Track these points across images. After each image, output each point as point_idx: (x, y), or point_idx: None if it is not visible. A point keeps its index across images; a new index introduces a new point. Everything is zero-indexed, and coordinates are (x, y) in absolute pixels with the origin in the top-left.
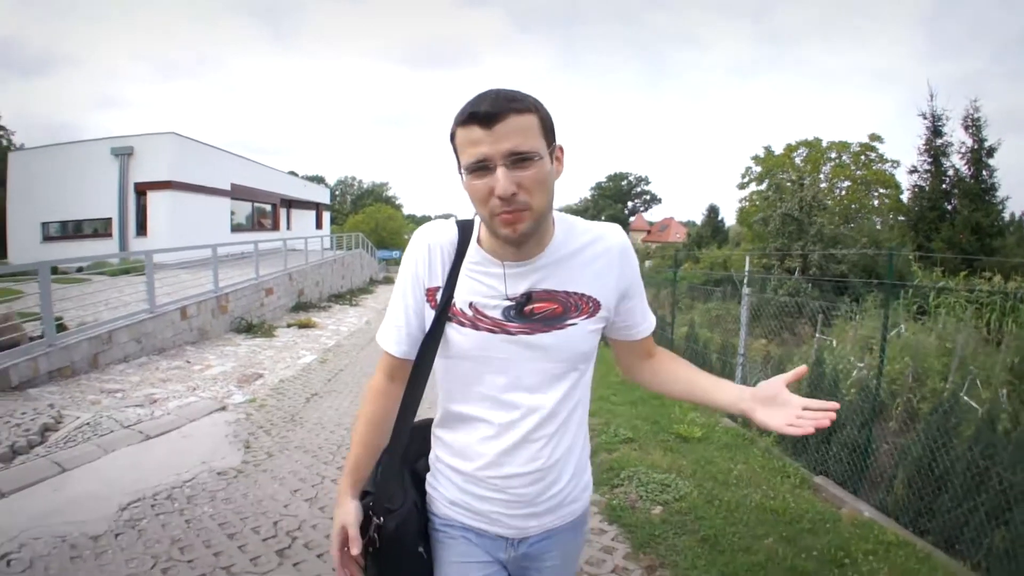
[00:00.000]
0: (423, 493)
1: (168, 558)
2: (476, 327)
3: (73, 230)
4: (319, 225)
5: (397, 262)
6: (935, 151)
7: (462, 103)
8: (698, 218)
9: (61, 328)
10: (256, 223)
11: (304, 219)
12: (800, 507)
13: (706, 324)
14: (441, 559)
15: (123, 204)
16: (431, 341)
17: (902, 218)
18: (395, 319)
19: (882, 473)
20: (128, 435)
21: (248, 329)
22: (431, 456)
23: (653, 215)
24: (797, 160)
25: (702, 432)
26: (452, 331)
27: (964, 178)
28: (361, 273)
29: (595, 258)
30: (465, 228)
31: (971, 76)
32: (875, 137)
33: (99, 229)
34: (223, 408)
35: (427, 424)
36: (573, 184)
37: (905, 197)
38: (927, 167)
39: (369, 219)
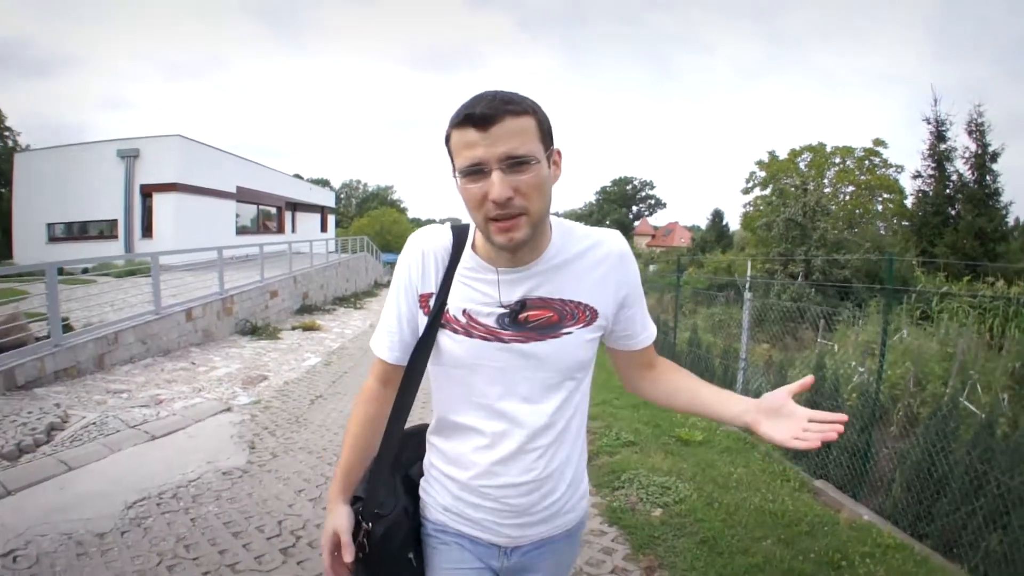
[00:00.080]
0: (416, 499)
1: (174, 556)
2: (469, 334)
3: (78, 231)
4: (324, 228)
5: None
6: (939, 156)
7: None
8: (703, 223)
9: (67, 328)
10: (261, 226)
11: (309, 222)
12: (799, 510)
13: (709, 329)
14: (433, 565)
15: (129, 206)
16: (423, 347)
17: (906, 223)
18: (387, 325)
19: (882, 477)
20: (134, 435)
21: (253, 331)
22: (425, 462)
23: (658, 219)
24: (801, 165)
25: (703, 436)
26: (445, 338)
27: (968, 183)
28: (366, 276)
29: (593, 265)
30: (460, 233)
31: (975, 80)
32: (879, 142)
33: (104, 231)
34: (228, 409)
35: (422, 430)
36: (577, 188)
37: (909, 202)
38: (931, 172)
39: (374, 222)
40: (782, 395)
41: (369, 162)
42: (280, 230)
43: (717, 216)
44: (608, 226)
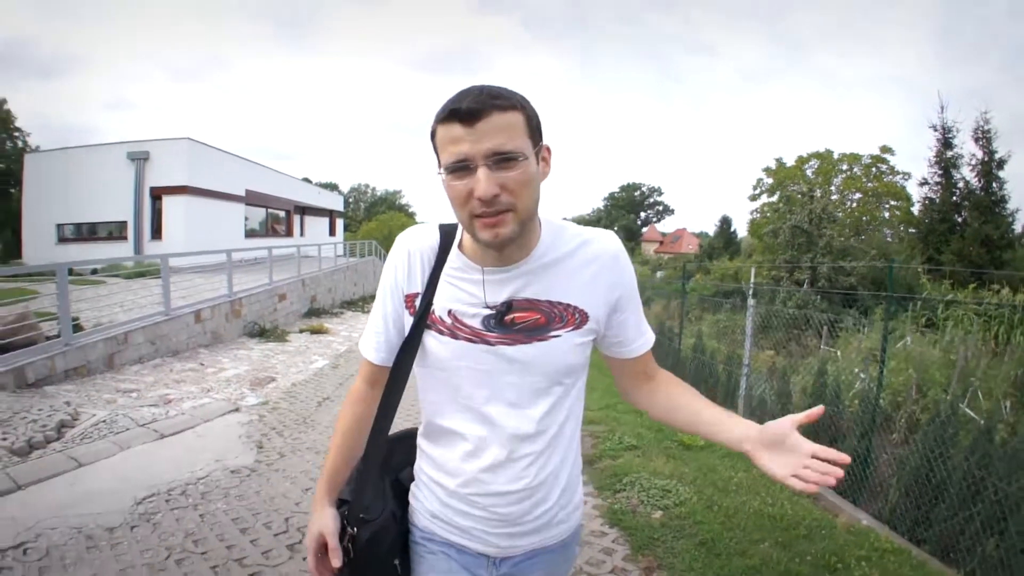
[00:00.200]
0: (406, 504)
1: (182, 550)
2: (455, 336)
3: (88, 232)
4: (332, 232)
5: None
6: (945, 163)
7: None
8: (711, 229)
9: (77, 328)
10: (270, 229)
11: (318, 226)
12: (797, 514)
13: (715, 335)
14: (418, 573)
15: (138, 208)
16: (408, 348)
17: (912, 230)
18: (374, 326)
19: (882, 483)
20: (143, 433)
21: (261, 334)
22: (416, 466)
23: (666, 226)
24: (808, 172)
25: (705, 441)
26: (431, 339)
27: (974, 190)
28: (374, 280)
29: (583, 265)
30: (447, 232)
31: (981, 86)
32: (886, 149)
33: (114, 232)
34: (236, 410)
35: (412, 433)
36: (586, 194)
37: (916, 209)
38: (937, 179)
39: (382, 227)
40: (787, 425)
41: (377, 166)
42: (289, 233)
43: (725, 223)
44: (616, 232)
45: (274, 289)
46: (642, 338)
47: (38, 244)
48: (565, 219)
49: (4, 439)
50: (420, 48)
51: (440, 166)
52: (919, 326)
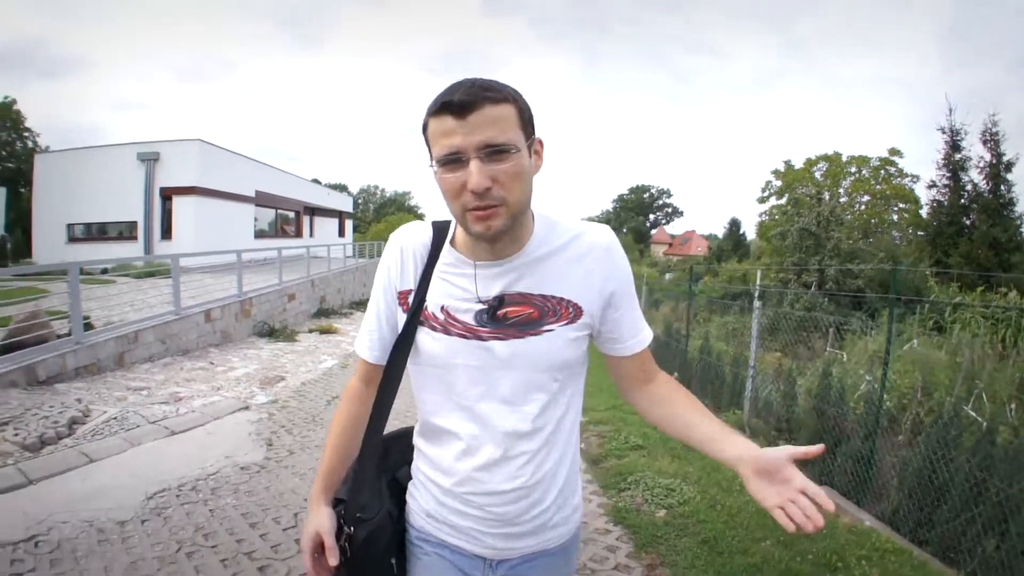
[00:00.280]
0: (403, 503)
1: (192, 543)
2: (448, 332)
3: (97, 232)
4: (342, 233)
5: None
6: (954, 166)
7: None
8: (720, 231)
9: (88, 327)
10: (279, 230)
11: (327, 227)
12: None
13: (722, 337)
14: (413, 574)
15: (149, 208)
16: (402, 345)
17: (921, 233)
18: (368, 324)
19: (885, 484)
20: (154, 430)
21: (271, 333)
22: (413, 466)
23: (675, 228)
24: (817, 174)
25: None
26: (423, 336)
27: (982, 193)
28: None
29: (576, 258)
30: (440, 229)
31: (990, 88)
32: (895, 151)
33: (124, 232)
34: (246, 408)
35: (409, 432)
36: (595, 196)
37: (924, 212)
38: (946, 182)
39: (392, 228)
40: (783, 457)
41: (386, 167)
42: (298, 234)
43: (734, 225)
44: (625, 234)
45: (284, 289)
46: (638, 336)
47: (48, 244)
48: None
49: (16, 435)
50: (428, 49)
51: (432, 159)
52: (927, 329)
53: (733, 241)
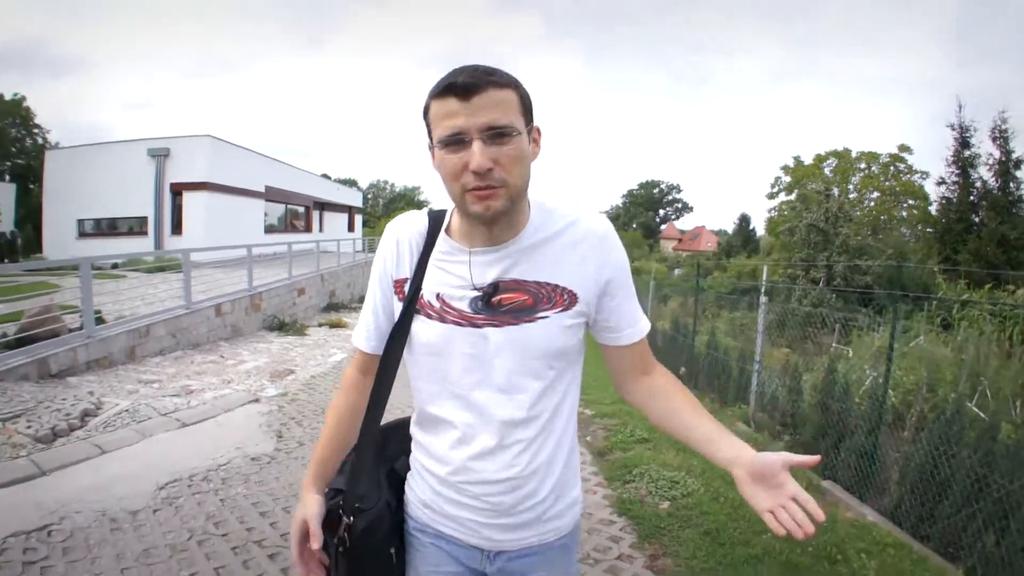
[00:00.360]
0: (401, 493)
1: (204, 532)
2: (443, 319)
3: (107, 227)
4: (351, 228)
5: None
6: (963, 162)
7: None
8: (730, 227)
9: (100, 321)
10: (289, 225)
11: (336, 222)
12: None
13: (730, 333)
14: (412, 564)
15: (159, 203)
16: (398, 334)
17: (930, 230)
18: (365, 314)
19: (888, 479)
20: (165, 422)
21: (280, 327)
22: (411, 456)
23: (685, 223)
24: (827, 171)
25: None
26: (419, 324)
27: (991, 190)
28: None
29: (571, 245)
30: (436, 218)
31: (1000, 86)
32: (904, 148)
33: (134, 227)
34: (256, 400)
35: (407, 422)
36: (604, 191)
37: (933, 209)
38: (955, 179)
39: None
40: (779, 464)
41: (396, 163)
42: (308, 229)
43: (744, 220)
44: (635, 229)
45: (293, 284)
46: (635, 325)
47: (58, 239)
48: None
49: (29, 427)
50: (436, 46)
51: (432, 142)
52: (935, 326)
53: (743, 237)
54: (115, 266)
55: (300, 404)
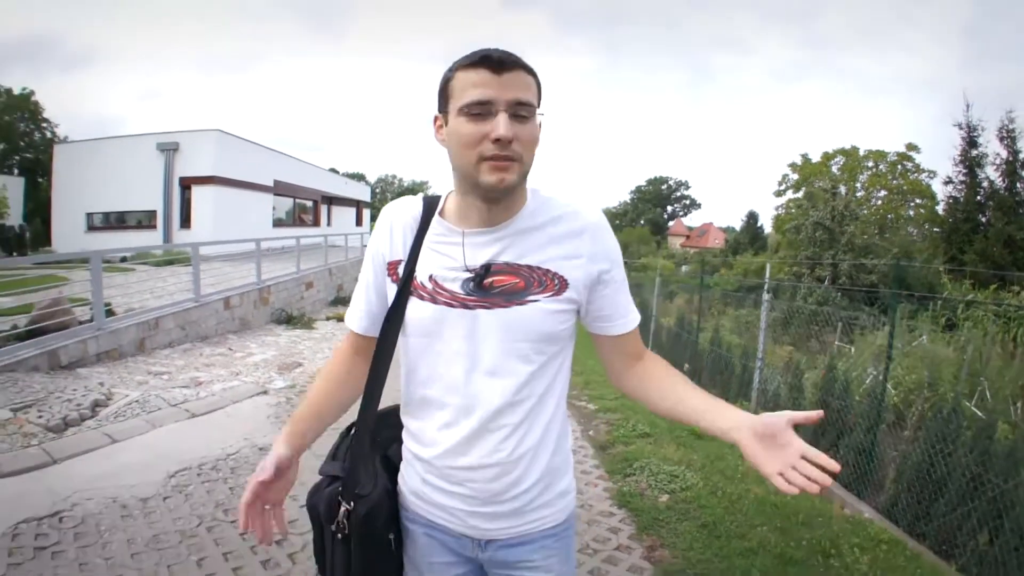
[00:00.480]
0: (396, 480)
1: (213, 519)
2: (435, 300)
3: (116, 221)
4: (359, 222)
5: None
6: (970, 162)
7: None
8: (738, 224)
9: (109, 313)
10: (297, 219)
11: (344, 216)
12: (798, 503)
13: (735, 330)
14: (408, 554)
15: (168, 197)
16: (394, 315)
17: (936, 229)
18: (357, 296)
19: (886, 477)
20: (175, 412)
21: (288, 320)
22: (403, 445)
23: (693, 220)
24: (834, 168)
25: None
26: (412, 305)
27: (998, 190)
28: None
29: (565, 234)
30: (430, 203)
31: (1009, 85)
32: (912, 147)
33: (143, 221)
34: (264, 392)
35: (398, 409)
36: (613, 187)
37: (940, 208)
38: (962, 178)
39: None
40: (782, 422)
41: (404, 157)
42: (316, 223)
43: (752, 218)
44: (643, 226)
45: (301, 277)
46: (627, 316)
47: (67, 232)
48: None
49: (40, 417)
50: (446, 42)
51: (448, 111)
52: (939, 326)
53: (750, 234)
54: (124, 259)
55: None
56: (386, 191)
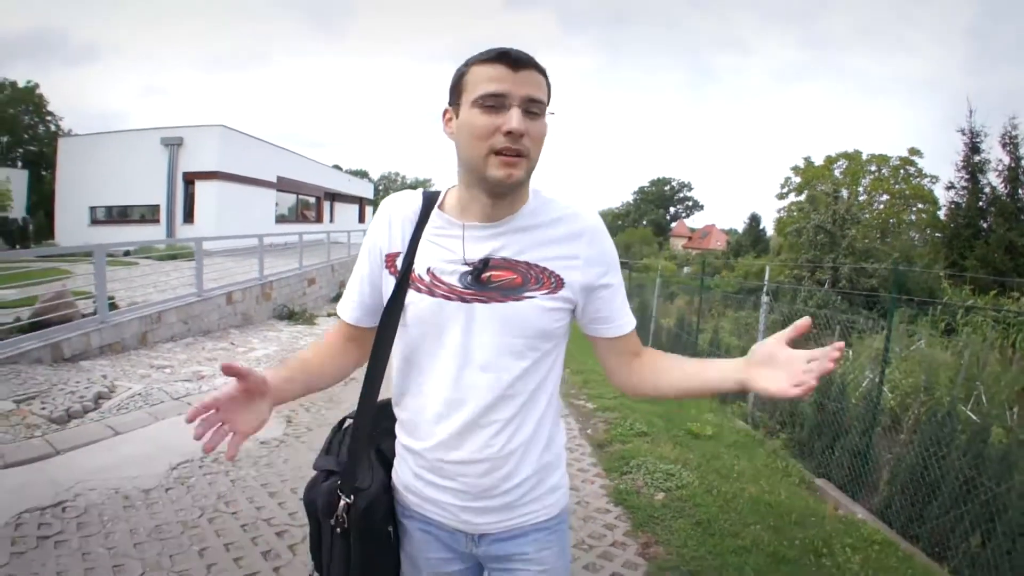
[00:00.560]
0: (391, 474)
1: (215, 510)
2: (432, 293)
3: (119, 215)
4: (362, 219)
5: None
6: (973, 168)
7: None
8: (740, 226)
9: (112, 307)
10: (300, 215)
11: (347, 212)
12: (793, 503)
13: (735, 331)
14: (404, 550)
15: (171, 192)
16: (393, 308)
17: (938, 234)
18: (351, 287)
19: (880, 479)
20: (177, 406)
21: (290, 316)
22: (396, 440)
23: (695, 221)
24: (837, 172)
25: (713, 431)
26: (409, 297)
27: (1000, 196)
28: None
29: (564, 235)
30: (429, 197)
31: (1013, 91)
32: (914, 151)
33: (146, 215)
34: None
35: (390, 402)
36: (616, 187)
37: (942, 213)
38: (964, 184)
39: None
40: (775, 343)
41: (408, 155)
42: (319, 219)
43: (754, 220)
44: (645, 227)
45: (304, 274)
46: (624, 319)
47: (70, 225)
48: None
49: (43, 408)
50: (451, 41)
51: (461, 103)
52: (939, 331)
53: (752, 236)
54: (127, 253)
55: None
56: (389, 188)
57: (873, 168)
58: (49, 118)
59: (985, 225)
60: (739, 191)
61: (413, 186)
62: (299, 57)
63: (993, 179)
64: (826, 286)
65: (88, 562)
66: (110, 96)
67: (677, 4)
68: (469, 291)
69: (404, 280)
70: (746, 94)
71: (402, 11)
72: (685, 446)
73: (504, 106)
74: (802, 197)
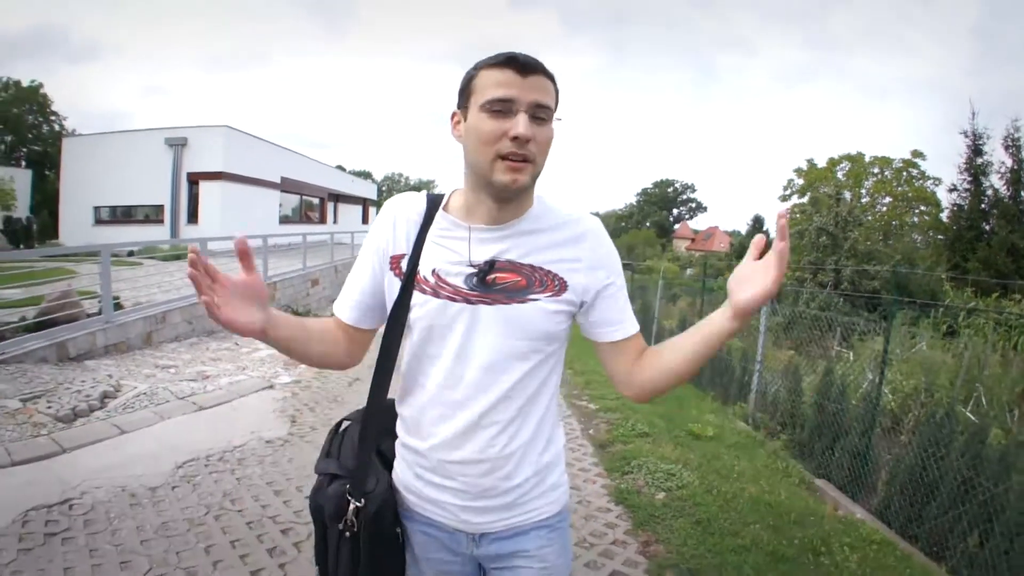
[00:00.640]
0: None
1: (220, 507)
2: (437, 294)
3: (123, 215)
4: (365, 220)
5: None
6: (975, 170)
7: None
8: (744, 228)
9: (117, 307)
10: (303, 216)
11: (350, 213)
12: (793, 503)
13: (738, 334)
14: (408, 551)
15: (175, 192)
16: (398, 310)
17: (940, 237)
18: (350, 286)
19: (879, 480)
20: (182, 405)
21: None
22: (397, 442)
23: (698, 223)
24: (839, 174)
25: (714, 432)
26: (414, 298)
27: (1003, 198)
28: None
29: (567, 240)
30: (434, 199)
31: (1015, 92)
32: (917, 154)
33: (150, 215)
34: (270, 386)
35: (391, 404)
36: (619, 189)
37: (945, 215)
38: (966, 186)
39: None
40: (747, 263)
41: (411, 156)
42: (322, 220)
43: (757, 222)
44: (648, 228)
45: (307, 274)
46: (626, 322)
47: (75, 225)
48: (596, 214)
49: (49, 407)
50: (454, 42)
51: (468, 107)
52: (940, 333)
53: None
54: (131, 253)
55: (313, 391)
56: (392, 189)
57: (876, 170)
58: (53, 118)
59: (987, 227)
60: (743, 193)
61: (417, 187)
62: (301, 57)
63: (996, 181)
64: (828, 288)
65: (95, 559)
66: (111, 95)
67: (679, 4)
68: (474, 293)
69: (410, 282)
70: (748, 95)
71: (404, 11)
72: (686, 446)
73: (511, 111)
74: (805, 199)
